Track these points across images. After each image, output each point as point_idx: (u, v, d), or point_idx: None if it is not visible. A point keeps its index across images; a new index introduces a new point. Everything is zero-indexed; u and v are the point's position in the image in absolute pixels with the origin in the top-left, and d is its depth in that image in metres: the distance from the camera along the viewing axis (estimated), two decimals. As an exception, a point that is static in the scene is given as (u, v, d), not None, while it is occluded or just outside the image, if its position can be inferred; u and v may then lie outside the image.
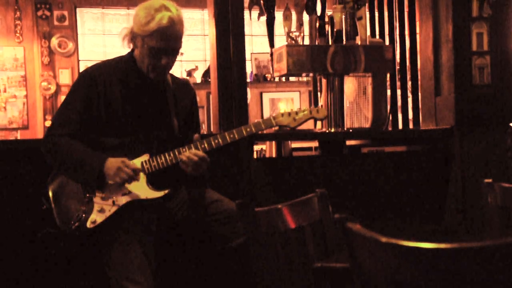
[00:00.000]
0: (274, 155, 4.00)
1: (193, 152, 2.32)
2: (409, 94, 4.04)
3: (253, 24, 6.89)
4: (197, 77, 7.23)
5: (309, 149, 4.07)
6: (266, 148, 4.41)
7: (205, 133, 3.66)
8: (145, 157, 2.36)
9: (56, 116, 2.43)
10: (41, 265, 2.71)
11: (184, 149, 2.35)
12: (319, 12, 3.42)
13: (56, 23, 6.99)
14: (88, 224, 2.29)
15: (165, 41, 2.31)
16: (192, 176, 2.39)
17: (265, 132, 3.12)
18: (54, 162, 2.35)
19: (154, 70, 2.37)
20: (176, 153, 2.35)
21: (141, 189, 2.34)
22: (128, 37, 2.38)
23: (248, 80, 7.04)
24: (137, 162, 2.35)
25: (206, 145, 2.36)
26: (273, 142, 3.98)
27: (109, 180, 2.28)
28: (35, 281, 2.74)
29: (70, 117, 2.35)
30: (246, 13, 3.24)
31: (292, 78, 7.37)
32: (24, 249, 2.71)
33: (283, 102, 7.47)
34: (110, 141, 2.36)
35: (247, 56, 3.65)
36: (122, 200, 2.31)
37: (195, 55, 7.51)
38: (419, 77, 3.61)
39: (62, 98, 5.73)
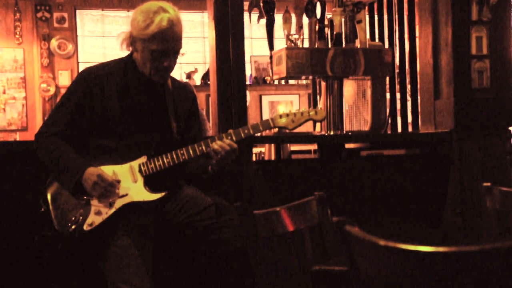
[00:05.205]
0: (273, 158, 3.99)
1: (227, 142, 2.33)
2: (408, 98, 4.04)
3: (253, 27, 6.89)
4: (197, 80, 7.24)
5: (308, 152, 4.06)
6: (265, 151, 4.40)
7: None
8: (143, 159, 2.36)
9: (49, 115, 2.45)
10: (38, 268, 2.70)
11: (181, 151, 2.35)
12: (318, 15, 3.42)
13: (56, 25, 7.00)
14: (85, 227, 2.29)
15: (166, 43, 2.31)
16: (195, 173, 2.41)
17: (264, 134, 3.12)
18: (42, 160, 2.37)
19: (156, 73, 2.36)
20: (174, 155, 2.35)
21: (138, 191, 2.33)
22: (127, 41, 2.38)
23: (248, 82, 7.07)
24: (134, 164, 2.35)
25: (203, 147, 2.36)
26: (272, 145, 3.98)
27: (88, 191, 2.29)
28: (32, 283, 2.73)
29: (61, 117, 2.36)
30: (245, 15, 3.24)
31: (291, 81, 7.38)
32: (21, 251, 2.70)
33: (283, 105, 7.47)
34: (108, 143, 2.36)
35: (247, 58, 3.65)
36: (119, 202, 2.31)
37: (195, 57, 7.51)
38: (418, 81, 3.61)
39: (61, 100, 5.72)
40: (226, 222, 2.41)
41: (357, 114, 3.64)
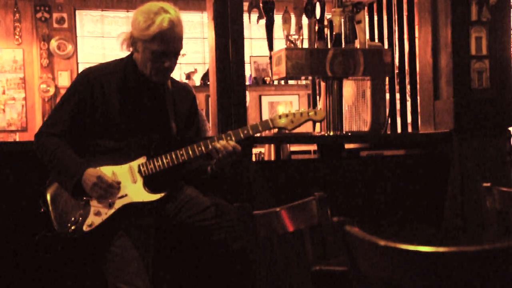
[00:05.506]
0: (272, 158, 3.99)
1: (231, 144, 2.33)
2: (408, 98, 4.04)
3: (252, 27, 6.90)
4: (196, 80, 7.24)
5: (308, 152, 4.07)
6: (264, 151, 4.40)
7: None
8: (142, 159, 2.35)
9: (49, 115, 2.45)
10: (38, 269, 2.70)
11: (181, 152, 2.35)
12: (318, 16, 3.42)
13: (55, 25, 7.00)
14: (85, 227, 2.29)
15: (167, 43, 2.31)
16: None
17: (264, 135, 3.12)
18: (42, 160, 2.37)
19: (157, 74, 2.36)
20: (173, 155, 2.35)
21: (137, 192, 2.33)
22: (128, 42, 2.38)
23: (247, 83, 7.07)
24: (134, 164, 2.35)
25: (203, 147, 2.36)
26: (272, 145, 3.98)
27: (87, 192, 2.28)
28: (32, 284, 2.73)
29: (61, 117, 2.36)
30: (245, 16, 3.24)
31: (291, 82, 7.38)
32: (21, 252, 2.70)
33: (282, 105, 7.47)
34: (107, 143, 2.36)
35: (246, 59, 3.66)
36: (119, 203, 2.31)
37: (194, 58, 7.51)
38: (418, 81, 3.61)
39: (60, 100, 5.72)
40: (226, 222, 2.41)
41: (356, 115, 3.64)
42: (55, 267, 2.69)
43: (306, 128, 3.53)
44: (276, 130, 2.86)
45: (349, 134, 3.50)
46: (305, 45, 3.53)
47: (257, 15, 3.49)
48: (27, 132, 6.85)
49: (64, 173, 2.30)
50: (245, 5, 3.30)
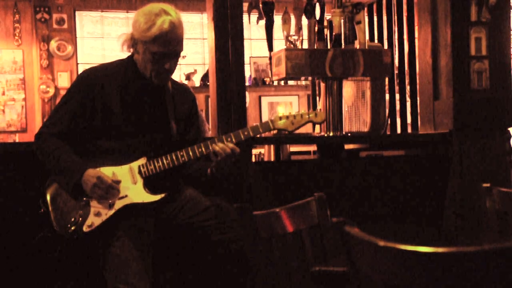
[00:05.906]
0: (272, 159, 4.00)
1: (230, 146, 2.33)
2: (408, 99, 4.04)
3: (252, 28, 6.90)
4: (196, 81, 7.24)
5: (308, 153, 4.07)
6: (264, 152, 4.41)
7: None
8: (142, 160, 2.36)
9: (49, 116, 2.45)
10: (38, 269, 2.70)
11: (181, 153, 2.35)
12: (318, 16, 3.43)
13: (55, 26, 7.00)
14: (85, 228, 2.29)
15: (167, 45, 2.31)
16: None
17: (263, 135, 3.12)
18: (42, 161, 2.37)
19: (157, 75, 2.37)
20: (174, 156, 2.35)
21: (137, 193, 2.33)
22: (128, 43, 2.38)
23: (247, 83, 7.07)
24: (134, 165, 2.35)
25: (203, 149, 2.36)
26: (272, 146, 3.98)
27: (87, 192, 2.28)
28: (32, 284, 2.73)
29: (61, 118, 2.36)
30: (245, 16, 3.24)
31: (291, 82, 7.39)
32: (21, 252, 2.70)
33: (282, 106, 7.47)
34: (107, 144, 2.36)
35: (246, 59, 3.66)
36: (119, 203, 2.31)
37: (194, 58, 7.51)
38: (417, 82, 3.61)
39: (60, 101, 5.72)
40: (226, 223, 2.41)
41: (356, 115, 3.64)
42: (55, 267, 2.69)
43: (306, 128, 3.54)
44: (276, 131, 2.86)
45: (349, 134, 3.50)
46: (305, 45, 3.54)
47: (257, 15, 3.49)
48: (26, 133, 6.85)
49: (64, 173, 2.30)
50: (245, 5, 3.30)
